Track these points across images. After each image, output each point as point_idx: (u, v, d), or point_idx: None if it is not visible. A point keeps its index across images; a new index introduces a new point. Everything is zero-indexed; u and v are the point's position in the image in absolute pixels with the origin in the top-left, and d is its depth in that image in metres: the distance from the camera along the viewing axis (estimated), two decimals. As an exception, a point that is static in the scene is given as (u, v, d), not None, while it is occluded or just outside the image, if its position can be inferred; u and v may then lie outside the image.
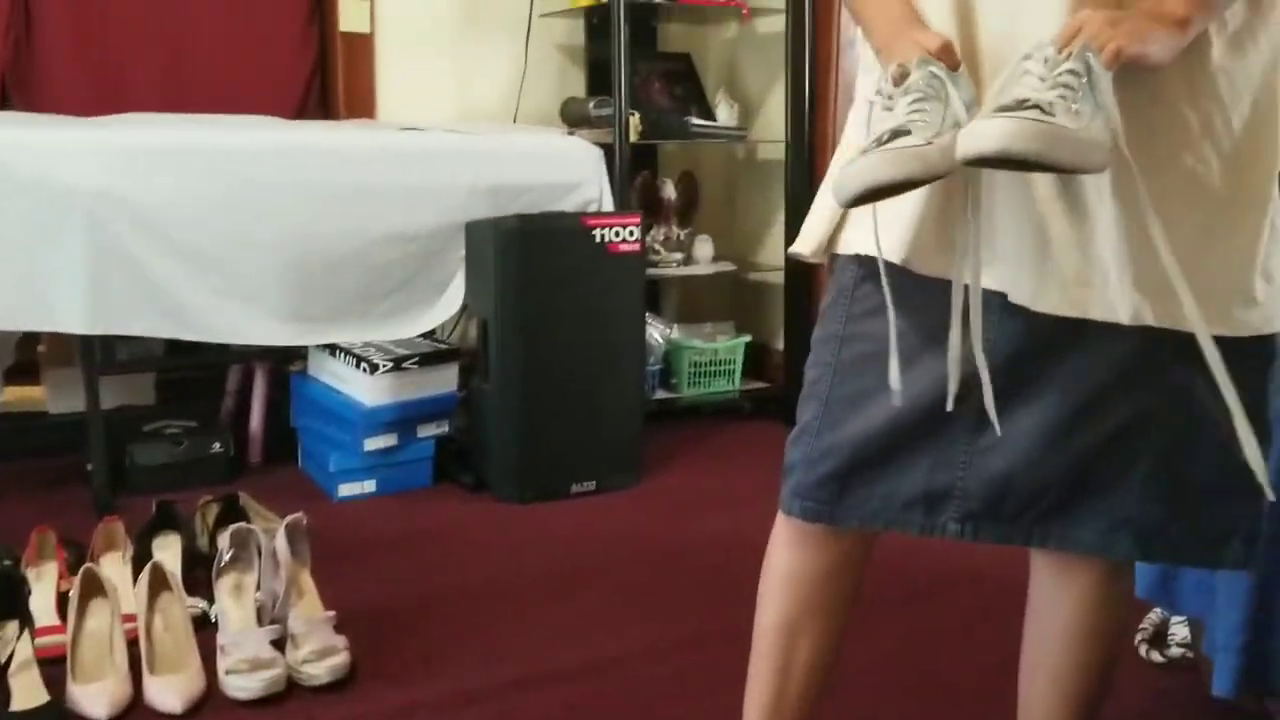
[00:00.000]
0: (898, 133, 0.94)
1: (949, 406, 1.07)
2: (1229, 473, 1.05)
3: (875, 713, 1.64)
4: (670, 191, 3.26)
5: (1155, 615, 1.85)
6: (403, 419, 2.53)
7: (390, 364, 2.48)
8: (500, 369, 2.49)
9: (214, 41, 3.01)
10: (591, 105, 3.10)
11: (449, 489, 2.59)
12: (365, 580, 2.07)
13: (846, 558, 1.20)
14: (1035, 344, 1.06)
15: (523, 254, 2.45)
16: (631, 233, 2.54)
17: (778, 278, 3.29)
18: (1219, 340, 0.98)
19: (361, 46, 3.08)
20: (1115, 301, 1.01)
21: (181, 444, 2.53)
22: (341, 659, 1.70)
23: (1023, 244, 1.03)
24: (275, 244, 2.38)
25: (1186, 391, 1.05)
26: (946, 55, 0.99)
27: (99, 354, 2.40)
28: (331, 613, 1.80)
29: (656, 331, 3.11)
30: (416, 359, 2.54)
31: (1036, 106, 0.89)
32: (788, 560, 1.22)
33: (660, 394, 3.12)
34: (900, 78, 0.98)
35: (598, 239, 2.51)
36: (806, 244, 1.16)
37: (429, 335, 2.66)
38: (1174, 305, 0.99)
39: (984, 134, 0.89)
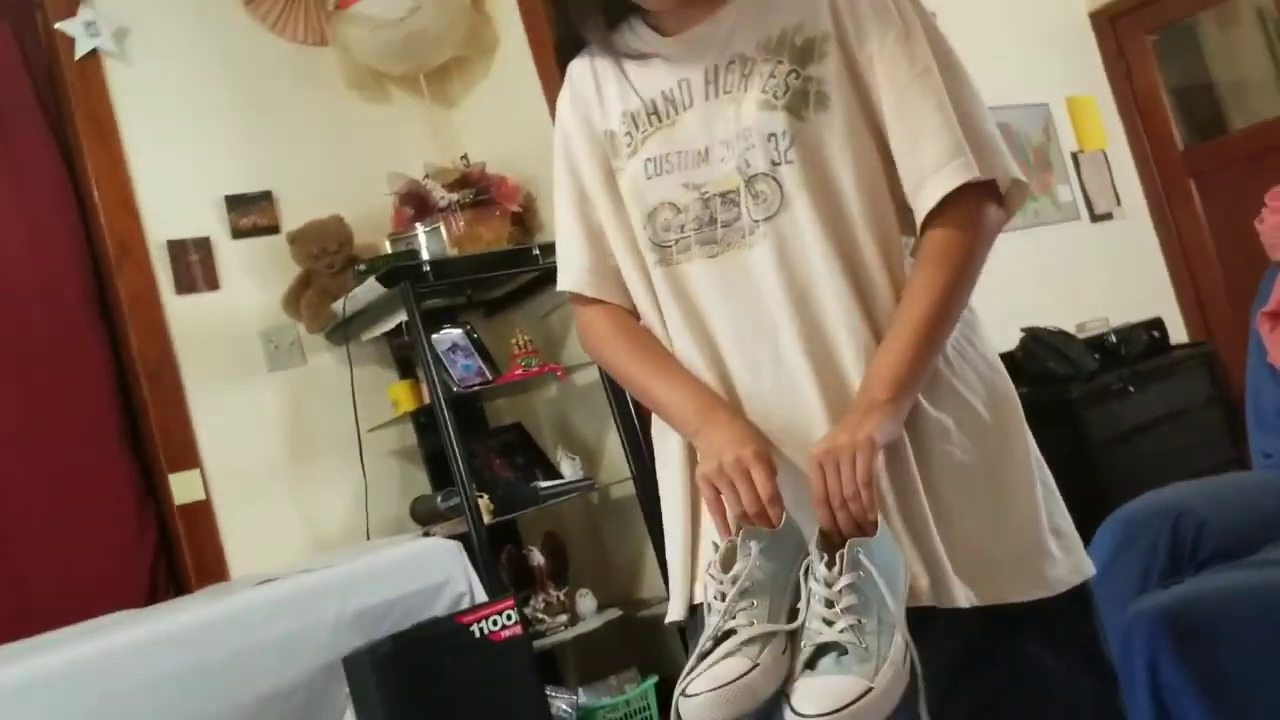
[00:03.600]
0: (727, 634, 1.03)
1: None
2: None
3: None
4: (538, 558, 3.31)
5: None
6: None
7: None
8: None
9: (46, 549, 2.97)
10: (439, 499, 3.19)
11: None
12: None
13: None
14: None
15: (405, 676, 2.43)
16: (509, 617, 2.56)
17: (665, 608, 3.32)
18: (1044, 602, 1.08)
19: (200, 514, 3.12)
20: (951, 589, 1.10)
21: None
22: None
23: None
24: (152, 743, 2.30)
25: (1036, 660, 1.13)
26: (773, 507, 1.07)
27: None
28: None
29: (563, 703, 3.07)
30: None
31: (835, 648, 0.99)
32: None
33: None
34: (728, 559, 1.07)
35: (477, 633, 2.52)
36: (677, 609, 1.24)
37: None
38: (998, 582, 1.09)
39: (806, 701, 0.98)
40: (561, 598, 3.28)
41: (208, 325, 3.20)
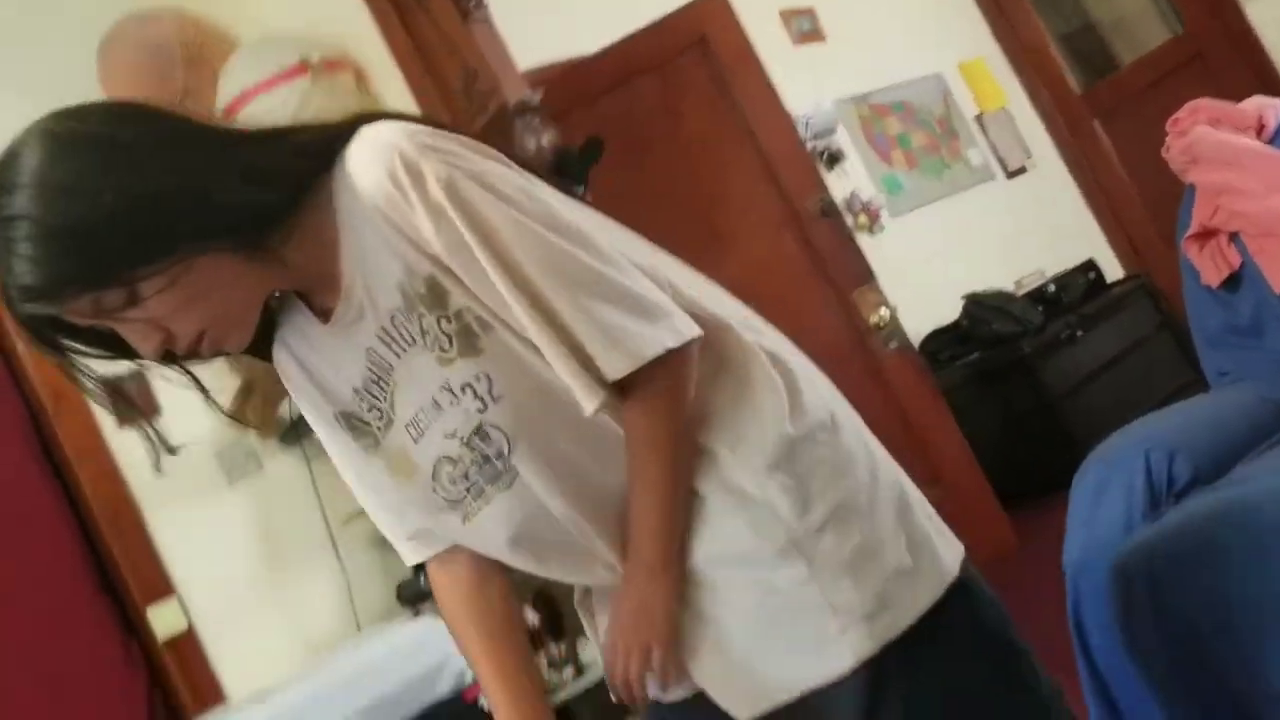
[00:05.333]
0: None
1: None
2: None
3: None
4: (532, 617, 3.27)
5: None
6: None
7: None
8: None
9: (42, 709, 2.90)
10: (423, 580, 3.15)
11: None
12: None
13: None
14: None
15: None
16: (513, 683, 2.53)
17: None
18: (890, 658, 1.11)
19: (187, 645, 3.05)
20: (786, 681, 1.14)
21: None
22: None
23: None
24: None
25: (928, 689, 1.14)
26: None
27: None
28: None
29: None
30: None
31: None
32: None
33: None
34: None
35: (484, 706, 2.48)
36: None
37: None
38: (825, 661, 1.12)
39: None
40: (562, 651, 3.24)
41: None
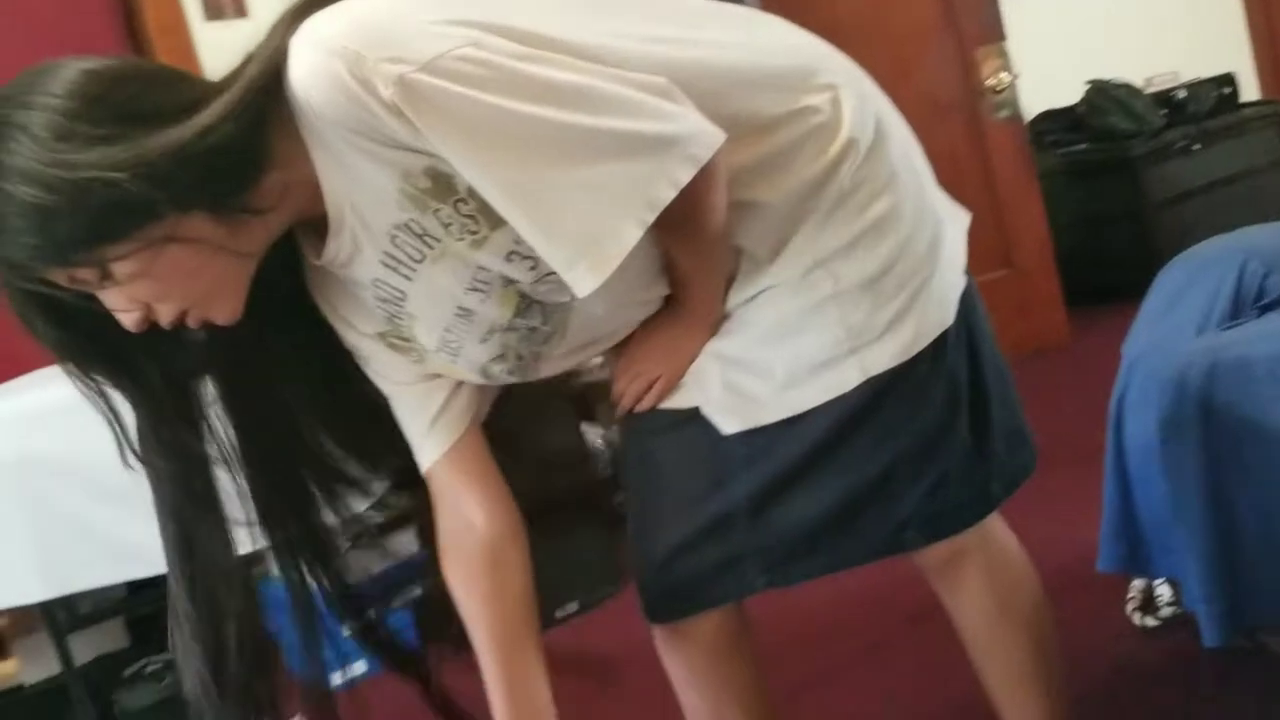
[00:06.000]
0: None
1: None
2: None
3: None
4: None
5: (1140, 583, 1.91)
6: (375, 594, 2.52)
7: (345, 546, 2.49)
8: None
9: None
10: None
11: (437, 648, 2.57)
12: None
13: (718, 637, 1.27)
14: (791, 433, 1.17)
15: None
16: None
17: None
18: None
19: None
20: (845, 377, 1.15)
21: (165, 679, 2.50)
22: None
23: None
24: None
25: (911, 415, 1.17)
26: None
27: (62, 614, 2.37)
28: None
29: (597, 437, 3.15)
30: (367, 535, 2.54)
31: None
32: (671, 661, 1.31)
33: (621, 495, 3.15)
34: None
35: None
36: None
37: (376, 505, 2.67)
38: (829, 381, 1.14)
39: None
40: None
41: (238, 54, 3.10)
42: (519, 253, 1.03)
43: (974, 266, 1.28)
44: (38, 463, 2.23)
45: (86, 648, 2.51)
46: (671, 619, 1.24)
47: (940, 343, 1.18)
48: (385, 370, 1.19)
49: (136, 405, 1.13)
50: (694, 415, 1.18)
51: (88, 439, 2.27)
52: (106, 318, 1.01)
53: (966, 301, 1.23)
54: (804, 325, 1.13)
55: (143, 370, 1.11)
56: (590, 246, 0.97)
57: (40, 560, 2.22)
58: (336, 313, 1.17)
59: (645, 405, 1.21)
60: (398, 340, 1.15)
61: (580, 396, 3.28)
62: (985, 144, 3.58)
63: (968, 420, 1.21)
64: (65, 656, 2.34)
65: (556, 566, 2.54)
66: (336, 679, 2.46)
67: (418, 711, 2.26)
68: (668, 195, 0.97)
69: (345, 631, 2.47)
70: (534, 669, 1.19)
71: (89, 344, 1.06)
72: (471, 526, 1.21)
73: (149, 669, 2.55)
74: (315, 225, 1.06)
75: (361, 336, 1.17)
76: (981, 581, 1.28)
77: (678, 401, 1.20)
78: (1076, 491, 2.11)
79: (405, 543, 2.60)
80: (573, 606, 2.55)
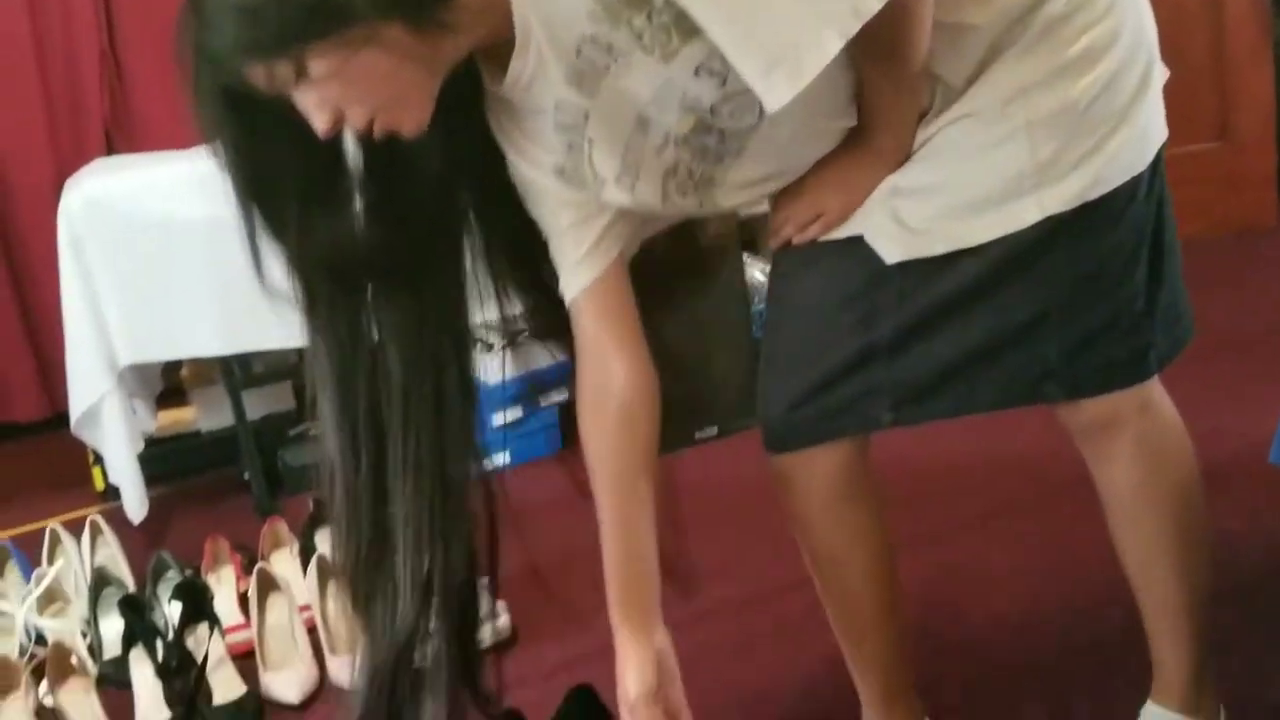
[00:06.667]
0: None
1: None
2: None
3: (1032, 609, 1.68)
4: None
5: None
6: (525, 391, 2.62)
7: (504, 340, 2.57)
8: (610, 329, 2.55)
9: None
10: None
11: (579, 451, 2.67)
12: (513, 546, 2.16)
13: (839, 478, 1.26)
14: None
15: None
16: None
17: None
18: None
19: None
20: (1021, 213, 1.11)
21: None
22: (502, 622, 1.81)
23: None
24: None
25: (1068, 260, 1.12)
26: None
27: (238, 371, 2.55)
28: (485, 579, 1.90)
29: (756, 270, 3.13)
30: (529, 331, 2.62)
31: None
32: (790, 500, 1.30)
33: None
34: None
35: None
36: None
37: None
38: (1006, 215, 1.09)
39: None
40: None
41: None
42: (708, 68, 1.01)
43: (1184, 133, 1.20)
44: (225, 224, 2.34)
45: (257, 405, 2.70)
46: (792, 449, 1.25)
47: (1130, 189, 1.12)
48: (552, 210, 1.20)
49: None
50: (852, 246, 1.15)
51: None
52: (291, 141, 1.05)
53: (1160, 156, 1.16)
54: (987, 157, 1.09)
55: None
56: (788, 54, 0.94)
57: (221, 319, 2.37)
58: (515, 146, 1.17)
59: (806, 237, 1.19)
60: (575, 174, 1.15)
61: (744, 226, 3.25)
62: (1221, 2, 3.30)
63: (1144, 277, 1.15)
64: (238, 410, 2.53)
65: (701, 389, 2.58)
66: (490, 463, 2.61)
67: (549, 505, 2.38)
68: (875, 5, 0.93)
69: (495, 422, 2.59)
70: (644, 514, 1.25)
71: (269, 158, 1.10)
72: (609, 380, 1.25)
73: (312, 432, 2.73)
74: (499, 56, 1.07)
75: (537, 171, 1.17)
76: (1132, 451, 1.23)
77: (838, 232, 1.17)
78: (1267, 377, 2.01)
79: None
80: (712, 431, 2.60)
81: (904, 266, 1.13)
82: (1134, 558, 1.28)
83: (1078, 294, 1.13)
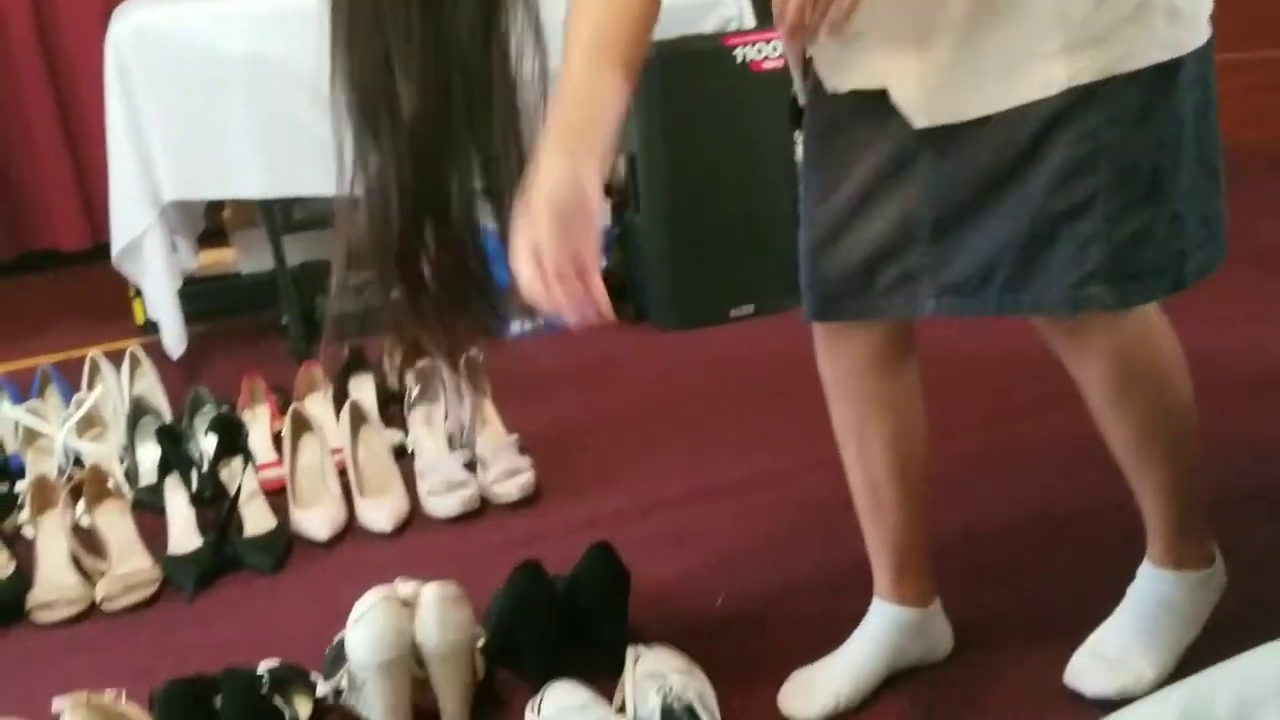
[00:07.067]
0: None
1: None
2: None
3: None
4: None
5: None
6: (563, 256, 2.61)
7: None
8: (651, 200, 2.53)
9: None
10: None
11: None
12: (542, 408, 2.20)
13: (877, 351, 1.26)
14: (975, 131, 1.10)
15: (663, 83, 2.45)
16: (774, 49, 2.50)
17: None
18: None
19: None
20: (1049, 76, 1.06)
21: (364, 293, 2.69)
22: (528, 478, 1.85)
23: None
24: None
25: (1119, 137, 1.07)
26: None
27: (279, 216, 2.56)
28: (514, 437, 1.94)
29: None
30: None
31: None
32: (826, 366, 1.30)
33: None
34: None
35: (739, 59, 2.49)
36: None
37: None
38: (1033, 79, 1.05)
39: None
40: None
41: None
42: None
43: (1255, 38, 1.14)
44: (273, 65, 2.33)
45: (297, 251, 2.71)
46: (831, 320, 1.25)
47: (1172, 70, 1.07)
48: None
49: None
50: (882, 100, 1.11)
51: (320, 49, 2.38)
52: None
53: (1208, 52, 1.11)
54: (1015, 11, 1.04)
55: None
56: None
57: (264, 160, 2.37)
58: None
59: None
60: None
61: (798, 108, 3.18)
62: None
63: (1189, 176, 1.11)
64: (278, 255, 2.55)
65: (743, 264, 2.57)
66: (515, 328, 2.62)
67: (579, 370, 2.40)
68: None
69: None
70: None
71: None
72: None
73: (349, 282, 2.75)
74: None
75: None
76: (1104, 349, 1.19)
77: (865, 79, 1.12)
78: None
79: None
80: (749, 308, 2.60)
81: (936, 133, 1.10)
82: (1114, 443, 1.28)
83: (1117, 187, 1.09)
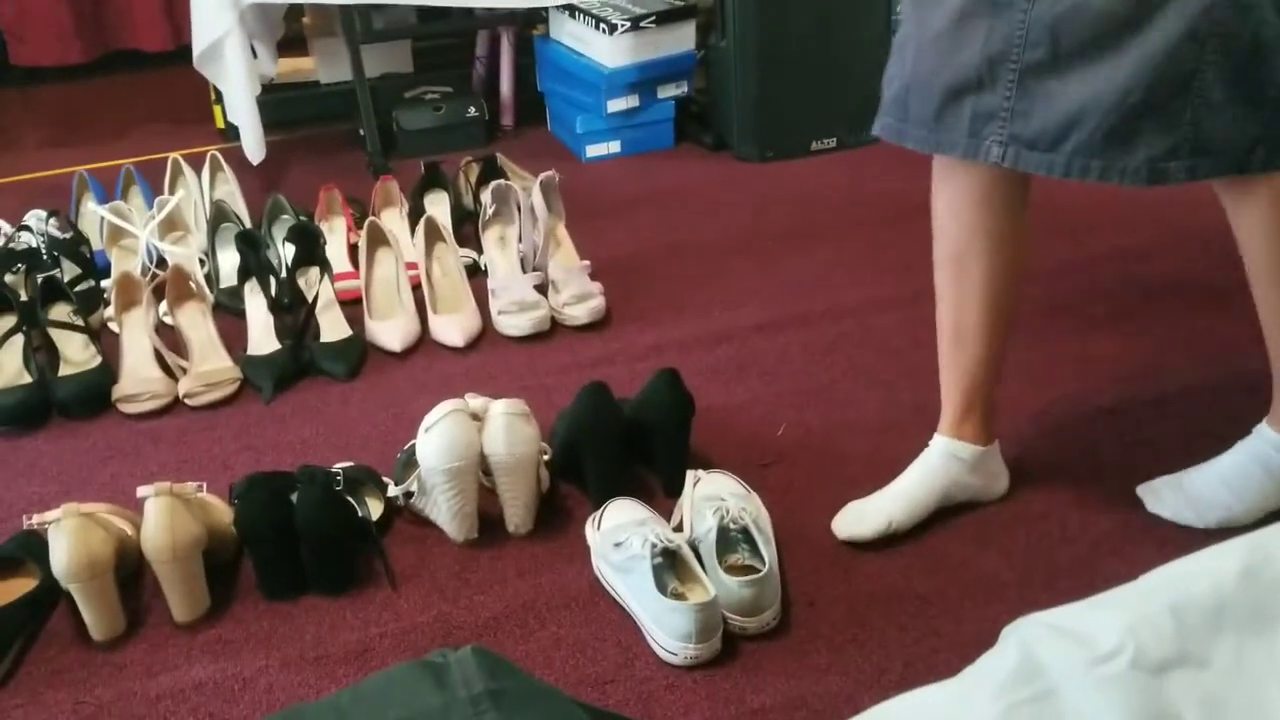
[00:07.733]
0: None
1: None
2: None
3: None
4: None
5: None
6: (643, 80, 2.55)
7: (628, 23, 2.48)
8: (738, 26, 2.44)
9: None
10: None
11: (690, 149, 2.63)
12: (616, 234, 2.19)
13: (987, 185, 1.25)
14: None
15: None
16: None
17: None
18: None
19: None
20: None
21: (440, 109, 2.67)
22: (598, 302, 1.85)
23: None
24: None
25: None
26: None
27: (359, 24, 2.51)
28: (586, 262, 1.94)
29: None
30: (653, 18, 2.52)
31: None
32: (937, 196, 1.30)
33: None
34: None
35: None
36: None
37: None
38: None
39: None
40: None
41: None
42: None
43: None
44: None
45: (375, 62, 2.68)
46: (893, 141, 1.25)
47: None
48: None
49: None
50: None
51: None
52: None
53: None
54: None
55: None
56: None
57: (346, -36, 2.31)
58: None
59: None
60: None
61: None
62: None
63: None
64: (356, 64, 2.52)
65: (822, 98, 2.49)
66: (601, 150, 2.59)
67: (656, 197, 2.37)
68: None
69: (610, 109, 2.55)
70: None
71: None
72: None
73: (427, 96, 2.73)
74: None
75: None
76: (1272, 195, 1.15)
77: None
78: None
79: (682, 37, 2.58)
80: (830, 142, 2.53)
81: None
82: (1265, 304, 1.24)
83: (1223, 64, 1.04)
